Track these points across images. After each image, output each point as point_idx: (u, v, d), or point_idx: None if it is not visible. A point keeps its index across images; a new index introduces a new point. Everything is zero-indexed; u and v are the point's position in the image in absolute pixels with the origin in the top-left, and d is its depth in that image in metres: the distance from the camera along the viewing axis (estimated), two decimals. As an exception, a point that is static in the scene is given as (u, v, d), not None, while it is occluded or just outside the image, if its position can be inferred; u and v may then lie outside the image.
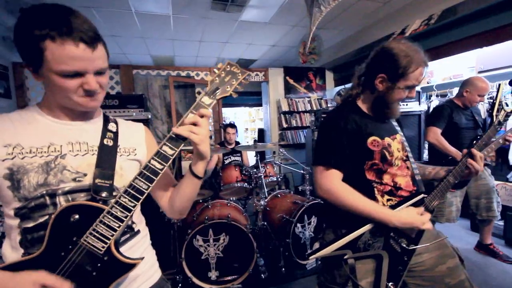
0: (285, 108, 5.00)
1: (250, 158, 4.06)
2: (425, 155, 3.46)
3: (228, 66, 0.78)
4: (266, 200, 2.80)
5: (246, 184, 2.85)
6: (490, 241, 2.58)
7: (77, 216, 0.66)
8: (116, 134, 0.80)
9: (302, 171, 3.17)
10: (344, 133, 1.06)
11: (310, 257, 1.00)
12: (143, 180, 0.68)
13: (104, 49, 0.69)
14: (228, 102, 7.23)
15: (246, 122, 10.03)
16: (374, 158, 1.07)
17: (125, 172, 0.77)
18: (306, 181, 3.08)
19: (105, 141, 0.76)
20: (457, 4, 2.44)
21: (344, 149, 1.06)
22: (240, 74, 0.78)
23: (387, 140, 1.11)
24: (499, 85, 1.27)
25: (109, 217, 0.66)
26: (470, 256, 2.57)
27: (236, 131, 3.82)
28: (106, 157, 0.74)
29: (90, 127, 0.77)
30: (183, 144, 0.72)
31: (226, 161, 3.64)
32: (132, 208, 0.67)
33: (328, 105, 5.02)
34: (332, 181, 1.05)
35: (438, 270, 1.09)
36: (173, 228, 2.38)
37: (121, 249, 0.72)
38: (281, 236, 2.46)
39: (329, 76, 5.40)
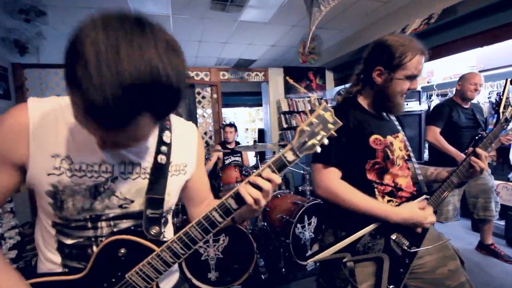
0: (285, 108, 4.99)
1: (250, 158, 4.06)
2: (426, 155, 3.44)
3: (323, 111, 0.65)
4: (266, 201, 2.79)
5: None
6: (491, 241, 2.56)
7: (124, 251, 0.63)
8: (169, 146, 0.71)
9: (302, 171, 3.17)
10: (345, 131, 1.04)
11: (309, 261, 0.98)
12: (199, 231, 0.63)
13: (150, 119, 0.48)
14: (228, 102, 7.23)
15: (246, 122, 10.02)
16: (377, 157, 1.05)
17: (172, 198, 0.72)
18: (306, 181, 3.07)
19: (158, 159, 0.68)
20: (457, 3, 2.43)
21: (344, 148, 1.04)
22: (332, 124, 0.65)
23: (389, 138, 1.09)
24: (506, 80, 1.21)
25: (158, 260, 0.63)
26: (471, 256, 2.56)
27: (236, 130, 3.81)
28: (158, 179, 0.68)
29: (144, 143, 0.68)
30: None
31: (227, 161, 3.63)
32: (182, 256, 0.64)
33: (328, 105, 5.00)
34: (331, 179, 1.04)
35: (439, 272, 1.08)
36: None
37: None
38: (281, 236, 2.45)
39: (329, 76, 5.39)
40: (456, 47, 2.75)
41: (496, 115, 1.18)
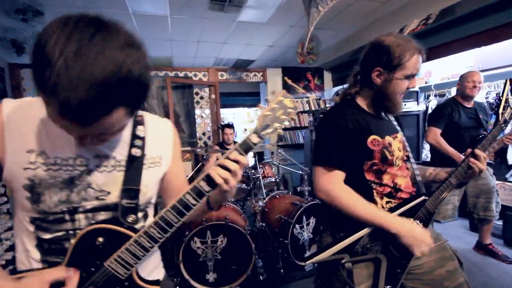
0: (283, 108, 4.98)
1: (248, 158, 4.05)
2: (424, 155, 3.45)
3: (283, 98, 0.70)
4: (264, 201, 2.78)
5: (244, 185, 2.84)
6: (489, 241, 2.57)
7: (101, 240, 0.64)
8: (143, 140, 0.74)
9: (300, 172, 3.16)
10: (344, 131, 1.04)
11: (307, 262, 0.98)
12: (174, 214, 0.66)
13: (124, 112, 0.52)
14: (226, 102, 7.22)
15: (244, 122, 10.02)
16: (374, 158, 1.04)
17: (149, 190, 0.74)
18: (304, 181, 3.06)
19: (132, 151, 0.71)
20: (455, 4, 2.43)
21: (344, 149, 1.03)
22: (291, 109, 0.70)
23: (388, 139, 1.08)
24: (506, 81, 1.21)
25: (136, 246, 0.65)
26: (469, 256, 2.56)
27: (234, 131, 3.81)
28: (133, 171, 0.70)
29: (118, 136, 0.70)
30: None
31: (225, 162, 3.63)
32: (159, 240, 0.66)
33: (327, 105, 5.01)
34: (334, 183, 1.02)
35: (437, 273, 1.07)
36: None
37: None
38: (279, 237, 2.45)
39: (327, 76, 5.40)
40: (454, 47, 2.75)
41: (494, 116, 1.18)
